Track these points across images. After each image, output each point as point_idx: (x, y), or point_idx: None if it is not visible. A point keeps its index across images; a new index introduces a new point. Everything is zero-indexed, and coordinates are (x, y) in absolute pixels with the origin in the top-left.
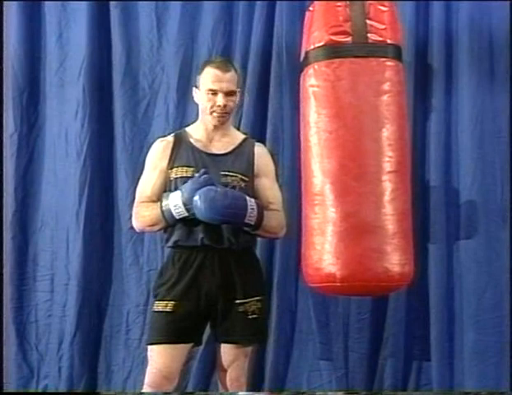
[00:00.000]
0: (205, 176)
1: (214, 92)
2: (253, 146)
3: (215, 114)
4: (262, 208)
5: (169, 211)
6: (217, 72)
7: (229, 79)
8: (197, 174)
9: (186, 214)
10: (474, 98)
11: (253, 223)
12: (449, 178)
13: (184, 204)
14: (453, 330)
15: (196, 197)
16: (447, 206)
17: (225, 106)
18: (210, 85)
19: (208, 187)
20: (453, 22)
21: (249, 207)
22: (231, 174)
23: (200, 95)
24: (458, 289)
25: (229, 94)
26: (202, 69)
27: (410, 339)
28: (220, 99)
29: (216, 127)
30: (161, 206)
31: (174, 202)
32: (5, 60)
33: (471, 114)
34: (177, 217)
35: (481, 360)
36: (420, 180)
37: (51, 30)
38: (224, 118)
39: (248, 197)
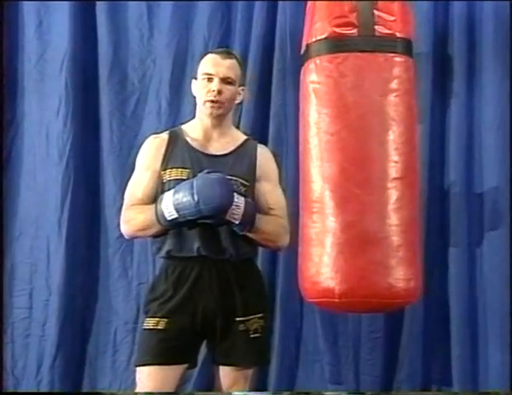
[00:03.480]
0: (214, 174)
1: (210, 77)
2: (255, 148)
3: (208, 104)
4: (253, 208)
5: (163, 212)
6: (216, 57)
7: (227, 65)
8: (200, 174)
9: (176, 215)
10: (499, 93)
11: (237, 222)
12: (470, 182)
13: (174, 204)
14: (477, 350)
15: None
16: (469, 213)
17: (219, 92)
18: (206, 69)
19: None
20: (476, 9)
21: (234, 204)
22: (231, 177)
23: (197, 84)
24: (482, 304)
25: (226, 81)
26: (203, 57)
27: (428, 360)
28: (215, 84)
29: (213, 123)
30: (156, 207)
31: (166, 203)
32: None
33: (495, 112)
34: (168, 218)
35: (509, 384)
36: (439, 184)
37: (29, 17)
38: (219, 108)
39: (236, 194)
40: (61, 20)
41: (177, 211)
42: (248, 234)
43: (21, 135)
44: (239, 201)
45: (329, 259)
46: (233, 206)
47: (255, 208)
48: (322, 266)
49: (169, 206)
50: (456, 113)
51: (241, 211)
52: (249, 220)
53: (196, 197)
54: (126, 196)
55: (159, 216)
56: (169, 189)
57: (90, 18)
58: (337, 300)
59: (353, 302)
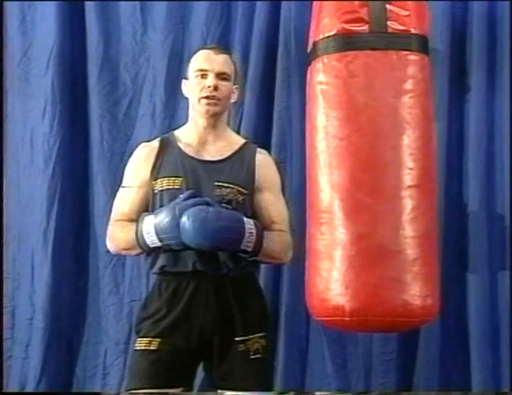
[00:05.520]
0: (190, 200)
1: (204, 73)
2: (254, 152)
3: (203, 101)
4: (261, 231)
5: (144, 239)
6: (209, 52)
7: (222, 61)
8: (181, 196)
9: (159, 244)
10: None
11: (250, 249)
12: (491, 193)
13: (157, 233)
14: (500, 374)
15: (184, 218)
16: (489, 227)
17: (215, 88)
18: (200, 65)
19: (199, 206)
20: (498, 3)
21: (247, 231)
22: (227, 185)
23: (189, 84)
24: (505, 325)
25: (221, 76)
26: (194, 55)
27: (446, 385)
28: (210, 80)
29: (208, 123)
30: (137, 230)
31: (147, 228)
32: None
33: None
34: (150, 246)
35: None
36: (456, 195)
37: (12, 12)
38: (215, 105)
39: (246, 219)
40: (47, 15)
41: (160, 240)
42: (253, 258)
43: (3, 140)
44: (251, 226)
45: (339, 274)
46: (247, 234)
47: (262, 231)
48: (331, 281)
49: (150, 232)
50: (475, 116)
51: (254, 237)
52: (259, 246)
53: (192, 235)
54: (113, 209)
55: (140, 241)
56: (161, 200)
57: (79, 12)
58: (347, 319)
59: (365, 321)
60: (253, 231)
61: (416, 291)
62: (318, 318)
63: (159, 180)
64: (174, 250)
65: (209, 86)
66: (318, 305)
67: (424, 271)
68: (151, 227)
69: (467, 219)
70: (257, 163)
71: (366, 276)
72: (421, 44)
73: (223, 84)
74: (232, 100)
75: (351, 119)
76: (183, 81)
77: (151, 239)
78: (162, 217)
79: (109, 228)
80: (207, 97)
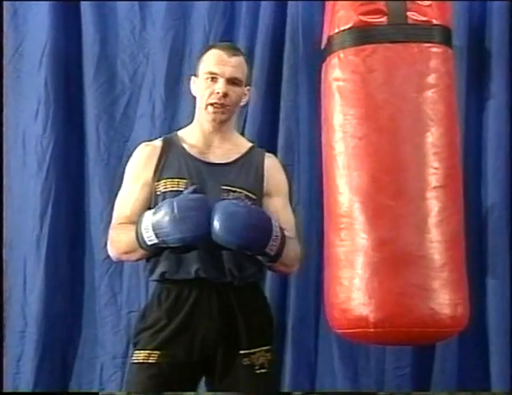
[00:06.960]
0: (195, 195)
1: (214, 77)
2: (262, 157)
3: (210, 108)
4: (284, 236)
5: (142, 234)
6: (221, 54)
7: (234, 64)
8: (185, 191)
9: (156, 240)
10: None
11: (273, 253)
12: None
13: (153, 228)
14: None
15: (213, 212)
16: (510, 231)
17: (225, 95)
18: (210, 67)
19: (229, 200)
20: None
21: (274, 234)
22: (235, 189)
23: (198, 84)
24: None
25: (232, 82)
26: (205, 52)
27: None
28: (220, 86)
29: (214, 128)
30: (136, 228)
31: (145, 224)
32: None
33: None
34: (148, 243)
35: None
36: (474, 198)
37: (4, 6)
38: (223, 113)
39: (272, 221)
40: (40, 9)
41: (156, 235)
42: (270, 263)
43: None
44: (277, 229)
45: (361, 283)
46: (273, 236)
47: (285, 236)
48: (353, 290)
49: (148, 228)
50: (495, 114)
51: (278, 241)
52: (281, 251)
53: (221, 232)
54: (114, 212)
55: (139, 239)
56: None
57: (74, 6)
58: (371, 330)
59: (391, 332)
60: (279, 235)
61: (445, 299)
62: (339, 331)
63: (162, 181)
64: (176, 256)
65: (218, 93)
66: (339, 317)
67: (453, 278)
68: (149, 223)
69: (487, 223)
70: (265, 167)
71: (391, 284)
72: (444, 36)
73: (234, 90)
74: (242, 103)
75: (370, 117)
76: (193, 78)
77: (148, 235)
78: (159, 212)
79: (110, 231)
80: (214, 104)
